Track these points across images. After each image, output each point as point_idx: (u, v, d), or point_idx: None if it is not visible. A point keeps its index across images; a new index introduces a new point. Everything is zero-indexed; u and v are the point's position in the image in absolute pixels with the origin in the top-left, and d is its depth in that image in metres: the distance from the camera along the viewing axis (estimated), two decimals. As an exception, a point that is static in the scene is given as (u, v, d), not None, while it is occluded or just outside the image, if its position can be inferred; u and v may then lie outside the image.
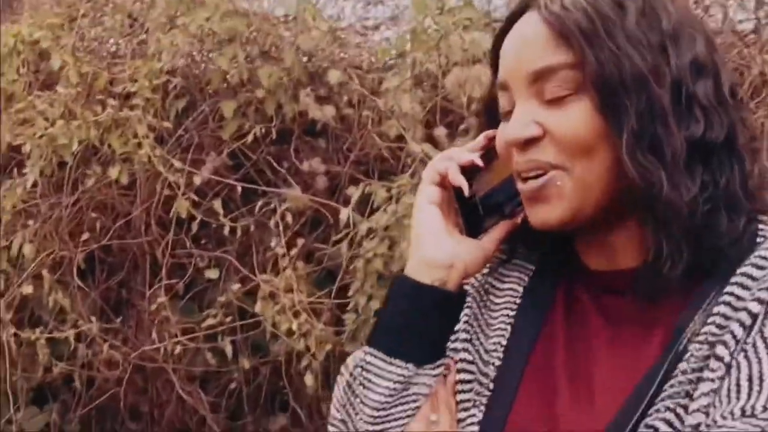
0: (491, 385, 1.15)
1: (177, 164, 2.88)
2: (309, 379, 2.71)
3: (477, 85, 2.72)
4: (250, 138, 2.94)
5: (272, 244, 2.81)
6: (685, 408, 0.99)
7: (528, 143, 1.08)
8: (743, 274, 1.03)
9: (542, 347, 1.15)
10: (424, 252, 1.16)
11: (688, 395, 1.00)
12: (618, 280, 1.11)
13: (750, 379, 0.97)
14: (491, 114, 1.17)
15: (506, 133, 1.09)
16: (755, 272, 1.02)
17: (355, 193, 2.77)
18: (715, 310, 1.02)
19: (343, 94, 2.92)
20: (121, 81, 2.91)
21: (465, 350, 1.18)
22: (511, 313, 1.18)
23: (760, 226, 1.08)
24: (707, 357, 1.00)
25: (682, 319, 1.04)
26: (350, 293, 2.65)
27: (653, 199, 1.03)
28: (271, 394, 3.09)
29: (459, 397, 1.16)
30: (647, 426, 1.00)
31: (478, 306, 1.21)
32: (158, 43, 2.79)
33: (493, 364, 1.16)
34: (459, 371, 1.17)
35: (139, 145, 2.81)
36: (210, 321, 2.90)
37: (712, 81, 1.07)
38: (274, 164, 3.00)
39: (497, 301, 1.20)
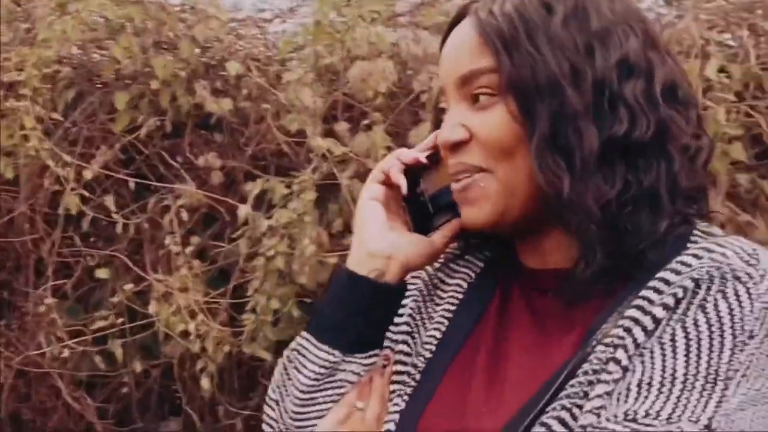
0: (418, 376, 1.17)
1: (66, 158, 2.74)
2: (205, 382, 2.61)
3: (381, 80, 2.67)
4: (143, 131, 2.83)
5: (166, 241, 2.70)
6: (580, 408, 0.99)
7: (457, 146, 1.11)
8: (659, 279, 1.02)
9: (473, 342, 1.16)
10: (363, 243, 1.18)
11: (585, 395, 1.00)
12: (547, 279, 1.13)
13: (639, 384, 0.96)
14: (439, 114, 1.18)
15: (440, 135, 1.13)
16: (670, 276, 1.02)
17: (253, 188, 2.68)
18: (626, 313, 1.02)
19: (242, 87, 2.83)
20: (7, 69, 2.76)
21: (404, 342, 1.20)
22: (452, 308, 1.20)
23: (694, 230, 1.08)
24: (608, 360, 1.00)
25: (597, 321, 1.04)
26: (249, 292, 2.56)
27: (559, 203, 1.04)
28: (162, 398, 2.98)
29: (391, 387, 1.18)
30: (541, 423, 1.01)
31: (424, 299, 1.23)
32: (48, 30, 2.64)
33: (423, 356, 1.18)
34: (395, 362, 1.19)
35: (26, 138, 2.66)
36: (100, 323, 2.76)
37: (643, 80, 1.07)
38: (168, 159, 2.89)
39: (443, 295, 1.22)
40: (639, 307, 1.01)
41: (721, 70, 2.24)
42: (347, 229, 2.62)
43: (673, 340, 0.97)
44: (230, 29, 2.89)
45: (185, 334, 2.63)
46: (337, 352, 1.16)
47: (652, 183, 1.05)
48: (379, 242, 1.17)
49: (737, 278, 0.98)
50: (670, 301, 0.99)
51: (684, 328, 0.97)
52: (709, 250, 1.02)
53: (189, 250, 2.71)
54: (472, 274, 1.21)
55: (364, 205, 1.20)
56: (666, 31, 2.47)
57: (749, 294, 0.97)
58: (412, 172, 1.19)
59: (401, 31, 2.78)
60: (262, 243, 2.59)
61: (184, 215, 2.75)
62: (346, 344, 1.16)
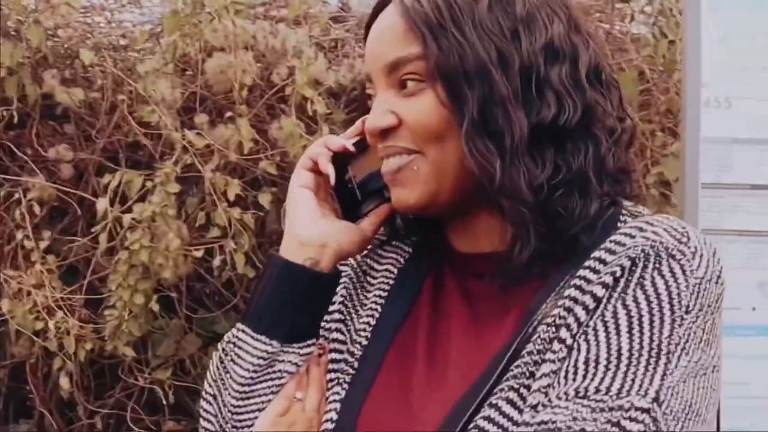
0: (356, 364, 1.17)
1: None
2: (64, 382, 2.53)
3: (241, 72, 2.66)
4: (-12, 122, 2.70)
5: (18, 236, 2.59)
6: (528, 388, 1.01)
7: (386, 132, 1.11)
8: (595, 258, 1.05)
9: (408, 327, 1.17)
10: (296, 232, 1.17)
11: (531, 375, 1.02)
12: (480, 263, 1.14)
13: (587, 362, 0.98)
14: (365, 101, 1.20)
15: (367, 122, 1.13)
16: (606, 256, 1.04)
17: (112, 181, 2.62)
18: (566, 293, 1.04)
19: (95, 77, 2.74)
20: None
21: (338, 330, 1.21)
22: (383, 294, 1.20)
23: (622, 210, 1.11)
24: (552, 339, 1.02)
25: (535, 302, 1.07)
26: (113, 288, 2.49)
27: (491, 187, 1.06)
28: (8, 401, 2.85)
29: (328, 375, 1.18)
30: (491, 405, 1.02)
31: (355, 287, 1.23)
32: None
33: (360, 343, 1.18)
34: (331, 351, 1.20)
35: None
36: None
37: (568, 64, 1.09)
38: (15, 150, 2.76)
39: (372, 281, 1.22)
40: (578, 287, 1.03)
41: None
42: (209, 222, 2.60)
43: (615, 317, 1.00)
44: (82, 16, 2.79)
45: (39, 332, 2.53)
46: (275, 343, 1.15)
47: (581, 166, 1.07)
48: (311, 230, 1.17)
49: (671, 256, 1.01)
50: (609, 279, 1.02)
51: (625, 306, 1.00)
52: (641, 229, 1.04)
53: (42, 245, 2.60)
54: (401, 260, 1.22)
55: (295, 193, 1.19)
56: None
57: (683, 270, 1.01)
58: (339, 159, 1.19)
59: (259, 23, 2.77)
60: (125, 237, 2.53)
61: (36, 209, 2.64)
62: (283, 334, 1.16)
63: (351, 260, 1.24)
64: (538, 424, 0.97)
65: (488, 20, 1.08)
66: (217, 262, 2.53)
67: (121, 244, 2.55)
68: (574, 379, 0.98)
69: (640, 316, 0.99)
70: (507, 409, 1.01)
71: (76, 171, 2.81)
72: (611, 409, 0.95)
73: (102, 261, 2.65)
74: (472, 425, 1.02)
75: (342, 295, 1.22)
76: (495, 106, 1.06)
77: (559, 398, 0.98)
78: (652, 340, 0.98)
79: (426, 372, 1.12)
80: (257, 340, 1.15)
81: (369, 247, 1.24)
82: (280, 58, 2.74)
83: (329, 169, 1.18)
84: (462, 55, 1.06)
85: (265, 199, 2.57)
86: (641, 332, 0.99)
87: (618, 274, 1.02)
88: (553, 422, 0.96)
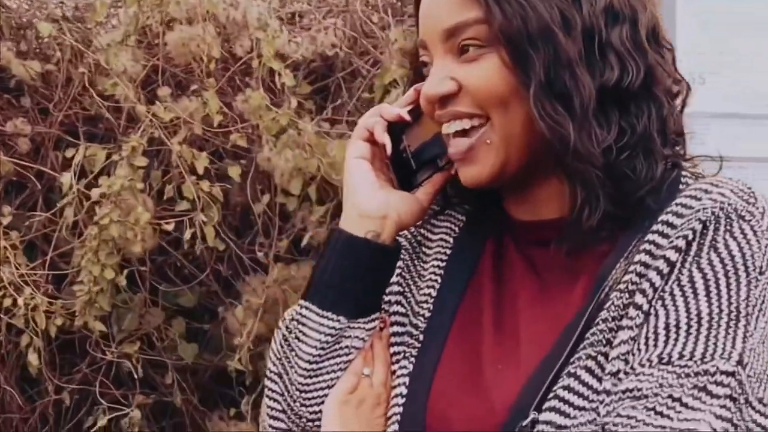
0: (421, 337, 1.17)
1: None
2: (33, 358, 2.50)
3: (203, 45, 2.65)
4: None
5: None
6: (606, 356, 1.02)
7: (445, 98, 1.11)
8: (663, 222, 1.05)
9: (471, 298, 1.17)
10: (356, 204, 1.16)
11: (609, 343, 1.02)
12: (543, 230, 1.14)
13: (667, 327, 1.00)
14: (419, 69, 1.18)
15: (424, 89, 1.12)
16: (674, 220, 1.05)
17: (76, 155, 2.58)
18: (636, 258, 1.04)
19: (53, 49, 2.70)
20: None
21: (398, 303, 1.21)
22: (442, 264, 1.20)
23: (683, 173, 1.11)
24: (627, 305, 1.02)
25: (604, 268, 1.07)
26: (82, 263, 2.47)
27: (564, 150, 1.05)
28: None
29: (392, 349, 1.18)
30: (569, 374, 1.02)
31: (411, 258, 1.23)
32: None
33: (423, 315, 1.18)
34: (392, 324, 1.19)
35: None
36: None
37: (628, 26, 1.09)
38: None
39: (428, 252, 1.22)
40: (648, 252, 1.03)
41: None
42: (179, 195, 2.59)
43: (692, 281, 1.00)
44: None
45: (6, 310, 2.50)
46: (342, 318, 1.15)
47: (645, 128, 1.07)
48: (372, 202, 1.16)
49: (741, 217, 1.02)
50: (682, 243, 1.02)
51: (700, 269, 1.01)
52: (707, 191, 1.05)
53: (5, 221, 2.56)
54: (456, 228, 1.22)
55: (353, 164, 1.18)
56: None
57: (754, 231, 1.02)
58: (393, 128, 1.18)
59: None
60: (92, 211, 2.50)
61: (-3, 184, 2.60)
62: (350, 310, 1.15)
63: (405, 231, 1.23)
64: (623, 392, 0.98)
65: None
66: (187, 235, 2.52)
67: (89, 218, 2.53)
68: (655, 345, 0.99)
69: (717, 279, 1.00)
70: (587, 377, 1.02)
71: (33, 145, 2.76)
72: (697, 374, 0.97)
73: (66, 236, 2.62)
74: (551, 395, 1.02)
75: (399, 267, 1.21)
76: (561, 69, 1.05)
77: (642, 365, 0.99)
78: (730, 303, 0.99)
79: (495, 345, 1.12)
80: (323, 317, 1.15)
81: None
82: (242, 30, 2.74)
83: (386, 139, 1.17)
84: (525, 17, 1.05)
85: (234, 172, 2.57)
86: (719, 295, 1.00)
87: (690, 237, 1.02)
88: (639, 389, 0.97)
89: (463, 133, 1.12)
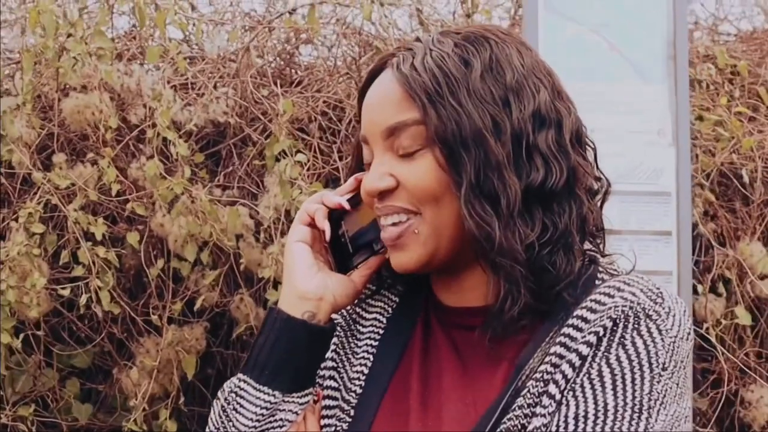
0: (352, 412, 1.23)
1: None
2: (-73, 425, 2.52)
3: (97, 112, 2.72)
4: None
5: None
6: None
7: (384, 193, 1.17)
8: (577, 317, 1.12)
9: (400, 376, 1.23)
10: (295, 285, 1.23)
11: (523, 428, 1.09)
12: (468, 316, 1.20)
13: (576, 417, 1.06)
14: (359, 159, 1.26)
15: (365, 184, 1.19)
16: (588, 315, 1.11)
17: (-29, 221, 2.63)
18: (552, 350, 1.11)
19: (-52, 116, 2.74)
20: None
21: (331, 378, 1.27)
22: (374, 343, 1.27)
23: (599, 268, 1.17)
24: (541, 394, 1.09)
25: (523, 357, 1.13)
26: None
27: (490, 247, 1.11)
28: None
29: (323, 422, 1.24)
30: None
31: (346, 335, 1.30)
32: None
33: (354, 391, 1.24)
34: (325, 398, 1.26)
35: None
36: None
37: (554, 130, 1.15)
38: None
39: (363, 330, 1.29)
40: (563, 344, 1.10)
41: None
42: (74, 260, 2.65)
43: (600, 375, 1.07)
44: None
45: None
46: (277, 393, 1.20)
47: (566, 225, 1.13)
48: (309, 284, 1.22)
49: (648, 316, 1.08)
50: (593, 338, 1.09)
51: (608, 364, 1.07)
52: (619, 289, 1.11)
53: None
54: (389, 309, 1.28)
55: (293, 248, 1.24)
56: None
57: (659, 330, 1.08)
58: (333, 213, 1.25)
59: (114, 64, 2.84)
60: (-11, 277, 2.55)
61: None
62: (285, 385, 1.20)
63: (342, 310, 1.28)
64: None
65: (481, 89, 1.13)
66: (83, 300, 2.59)
67: (-14, 283, 2.57)
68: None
69: (623, 374, 1.07)
70: None
71: (-76, 209, 2.80)
72: None
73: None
74: None
75: (334, 343, 1.27)
76: (491, 171, 1.12)
77: None
78: (634, 397, 1.06)
79: (419, 421, 1.17)
80: (260, 391, 1.20)
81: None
82: (136, 98, 2.83)
83: (326, 226, 1.23)
84: (459, 121, 1.12)
85: (133, 238, 2.65)
86: (624, 389, 1.06)
87: (601, 333, 1.09)
88: None
89: (396, 222, 1.18)
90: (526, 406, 1.10)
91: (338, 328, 1.29)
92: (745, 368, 2.72)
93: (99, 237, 2.60)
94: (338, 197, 1.25)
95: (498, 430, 1.10)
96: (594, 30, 2.19)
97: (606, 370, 1.08)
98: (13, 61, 2.89)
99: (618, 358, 1.08)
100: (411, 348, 1.24)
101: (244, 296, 2.70)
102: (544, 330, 1.14)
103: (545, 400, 1.09)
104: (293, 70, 3.13)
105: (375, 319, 1.28)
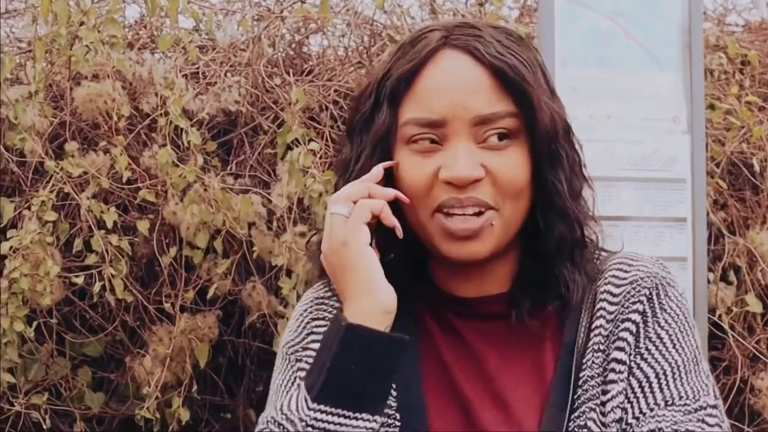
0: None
1: None
2: (-61, 411, 2.53)
3: (110, 101, 2.73)
4: None
5: None
6: (603, 405, 1.15)
7: (471, 183, 1.14)
8: (606, 292, 1.20)
9: (431, 371, 1.21)
10: (378, 299, 1.14)
11: (603, 394, 1.16)
12: (489, 305, 1.23)
13: (657, 376, 1.16)
14: (386, 145, 1.19)
15: (456, 171, 1.13)
16: (613, 289, 1.20)
17: (-14, 210, 2.64)
18: (595, 323, 1.19)
19: (-39, 104, 2.74)
20: None
21: None
22: None
23: (596, 253, 1.26)
24: (606, 362, 1.17)
25: (568, 334, 1.20)
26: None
27: (573, 242, 1.19)
28: None
29: None
30: (579, 427, 1.14)
31: None
32: None
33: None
34: None
35: None
36: None
37: (569, 132, 1.23)
38: None
39: None
40: (603, 317, 1.18)
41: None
42: (87, 248, 2.66)
43: (659, 337, 1.18)
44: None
45: None
46: (377, 418, 1.13)
47: (585, 216, 1.22)
48: (390, 296, 1.14)
49: (669, 284, 1.21)
50: (640, 307, 1.18)
51: (661, 327, 1.18)
52: (630, 264, 1.21)
53: None
54: None
55: (367, 254, 1.15)
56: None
57: (678, 293, 1.22)
58: None
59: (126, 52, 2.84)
60: (3, 264, 2.55)
61: None
62: (381, 408, 1.14)
63: (327, 306, 1.26)
64: None
65: (547, 85, 1.19)
66: (96, 288, 2.59)
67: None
68: (652, 392, 1.15)
69: (676, 334, 1.18)
70: (594, 427, 1.14)
71: (-66, 197, 2.80)
72: (696, 410, 1.14)
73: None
74: None
75: None
76: (577, 168, 1.20)
77: (652, 408, 1.14)
78: (691, 351, 1.19)
79: (486, 411, 1.17)
80: (357, 419, 1.11)
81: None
82: (148, 87, 2.83)
83: (397, 223, 1.16)
84: (553, 117, 1.15)
85: (143, 226, 2.65)
86: (682, 346, 1.18)
87: (645, 302, 1.19)
88: (659, 428, 1.13)
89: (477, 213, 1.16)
90: (595, 376, 1.16)
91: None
92: (757, 354, 2.73)
93: (110, 225, 2.59)
94: (394, 190, 1.17)
95: (576, 404, 1.15)
96: (610, 18, 2.19)
97: (662, 333, 1.18)
98: (23, 50, 2.88)
99: (666, 321, 1.19)
100: (425, 343, 1.23)
101: (257, 284, 2.70)
102: (571, 308, 1.20)
103: (616, 366, 1.17)
104: (303, 60, 3.13)
105: None
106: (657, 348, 1.18)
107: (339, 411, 1.11)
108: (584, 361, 1.18)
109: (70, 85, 2.79)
